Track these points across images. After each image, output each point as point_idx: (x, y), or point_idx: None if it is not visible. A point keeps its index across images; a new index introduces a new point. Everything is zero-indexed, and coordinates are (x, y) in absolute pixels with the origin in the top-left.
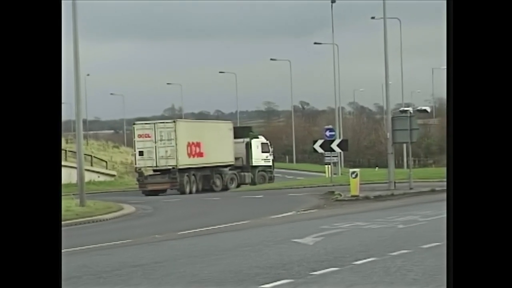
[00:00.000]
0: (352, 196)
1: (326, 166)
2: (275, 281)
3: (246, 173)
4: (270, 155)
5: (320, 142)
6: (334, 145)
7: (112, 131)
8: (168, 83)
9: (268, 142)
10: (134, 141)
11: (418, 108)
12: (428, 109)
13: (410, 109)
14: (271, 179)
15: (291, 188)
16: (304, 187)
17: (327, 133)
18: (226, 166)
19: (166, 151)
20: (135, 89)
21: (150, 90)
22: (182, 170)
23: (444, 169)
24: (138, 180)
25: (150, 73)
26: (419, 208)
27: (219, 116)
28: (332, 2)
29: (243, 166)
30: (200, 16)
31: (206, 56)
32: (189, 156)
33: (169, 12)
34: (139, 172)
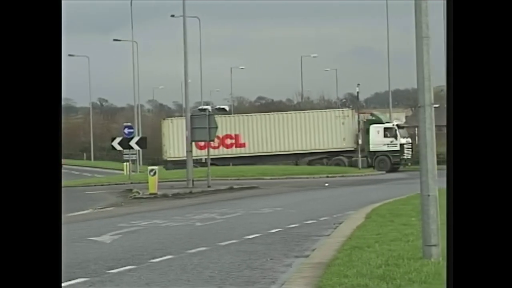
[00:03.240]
0: (151, 194)
1: (125, 163)
2: (70, 280)
3: (359, 158)
4: (397, 139)
5: (118, 139)
6: (132, 143)
7: None
8: None
9: (395, 127)
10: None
11: (217, 106)
12: (227, 108)
13: (209, 107)
14: (396, 164)
15: (88, 185)
16: (102, 184)
17: (126, 131)
18: (323, 153)
19: (164, 145)
20: None
21: None
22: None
23: (242, 167)
24: (165, 168)
25: None
26: (217, 206)
27: None
28: None
29: (355, 151)
30: None
31: None
32: (201, 149)
33: None
34: (165, 161)
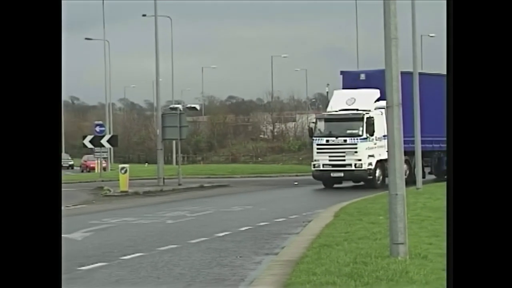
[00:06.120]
0: (122, 191)
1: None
2: None
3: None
4: None
5: (90, 137)
6: (104, 141)
7: None
8: None
9: None
10: None
11: (188, 105)
12: (198, 107)
13: (180, 106)
14: None
15: None
16: (74, 182)
17: (97, 129)
18: None
19: None
20: None
21: None
22: None
23: (212, 166)
24: None
25: None
26: (188, 203)
27: None
28: None
29: None
30: None
31: None
32: None
33: None
34: None
